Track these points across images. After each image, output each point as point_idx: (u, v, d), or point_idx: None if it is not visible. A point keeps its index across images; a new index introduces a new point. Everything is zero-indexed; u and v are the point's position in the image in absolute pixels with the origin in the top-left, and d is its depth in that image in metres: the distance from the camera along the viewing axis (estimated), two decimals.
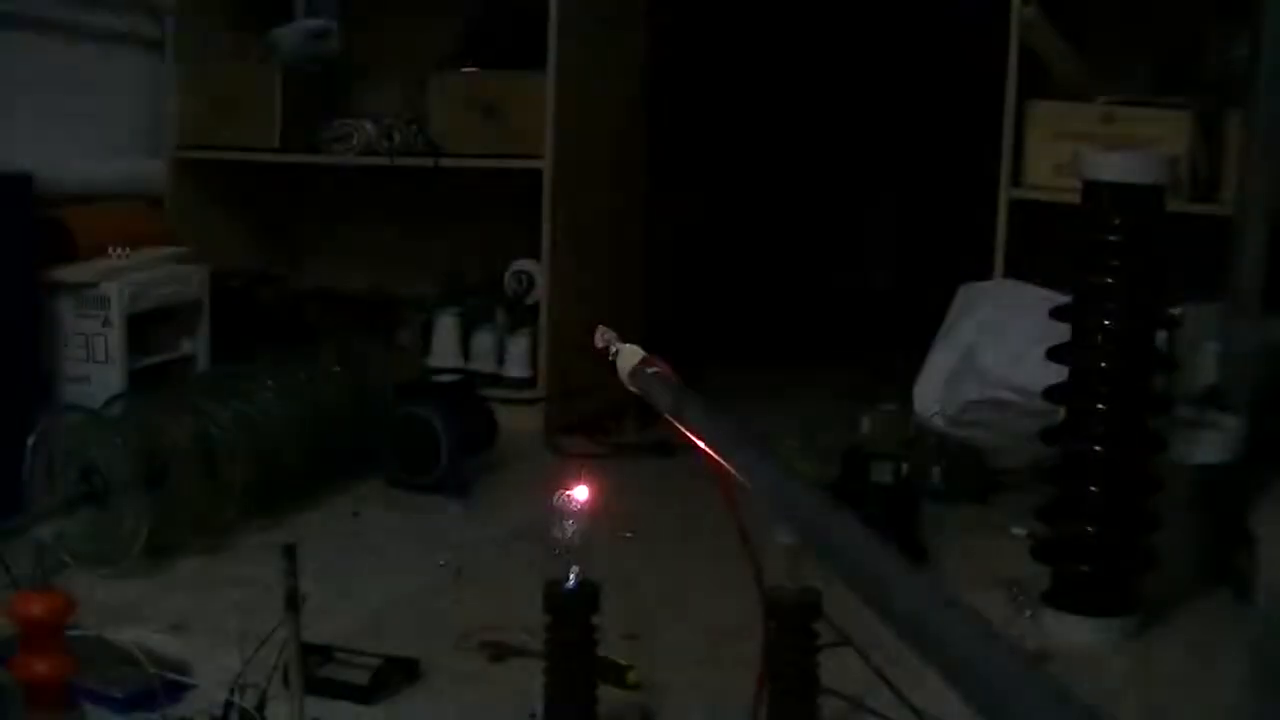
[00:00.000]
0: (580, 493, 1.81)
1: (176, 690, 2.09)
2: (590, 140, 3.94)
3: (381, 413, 3.17)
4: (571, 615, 1.86)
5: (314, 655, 2.21)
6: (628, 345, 1.77)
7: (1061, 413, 2.51)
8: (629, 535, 2.87)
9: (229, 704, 1.94)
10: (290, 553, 1.54)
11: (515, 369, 3.85)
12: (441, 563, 2.69)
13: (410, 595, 2.55)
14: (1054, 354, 2.47)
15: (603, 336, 1.87)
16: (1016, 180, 3.47)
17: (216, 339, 4.07)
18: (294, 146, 4.03)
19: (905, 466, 2.95)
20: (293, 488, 2.97)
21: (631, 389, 1.79)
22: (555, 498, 1.82)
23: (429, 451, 3.09)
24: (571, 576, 1.84)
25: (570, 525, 1.81)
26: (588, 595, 1.85)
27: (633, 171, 4.30)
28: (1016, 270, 3.43)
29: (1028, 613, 2.45)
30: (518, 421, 3.67)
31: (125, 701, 2.06)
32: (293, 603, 1.55)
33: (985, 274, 3.46)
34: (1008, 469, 3.24)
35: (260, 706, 1.93)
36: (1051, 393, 2.48)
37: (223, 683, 2.09)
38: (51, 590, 1.54)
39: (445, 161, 3.86)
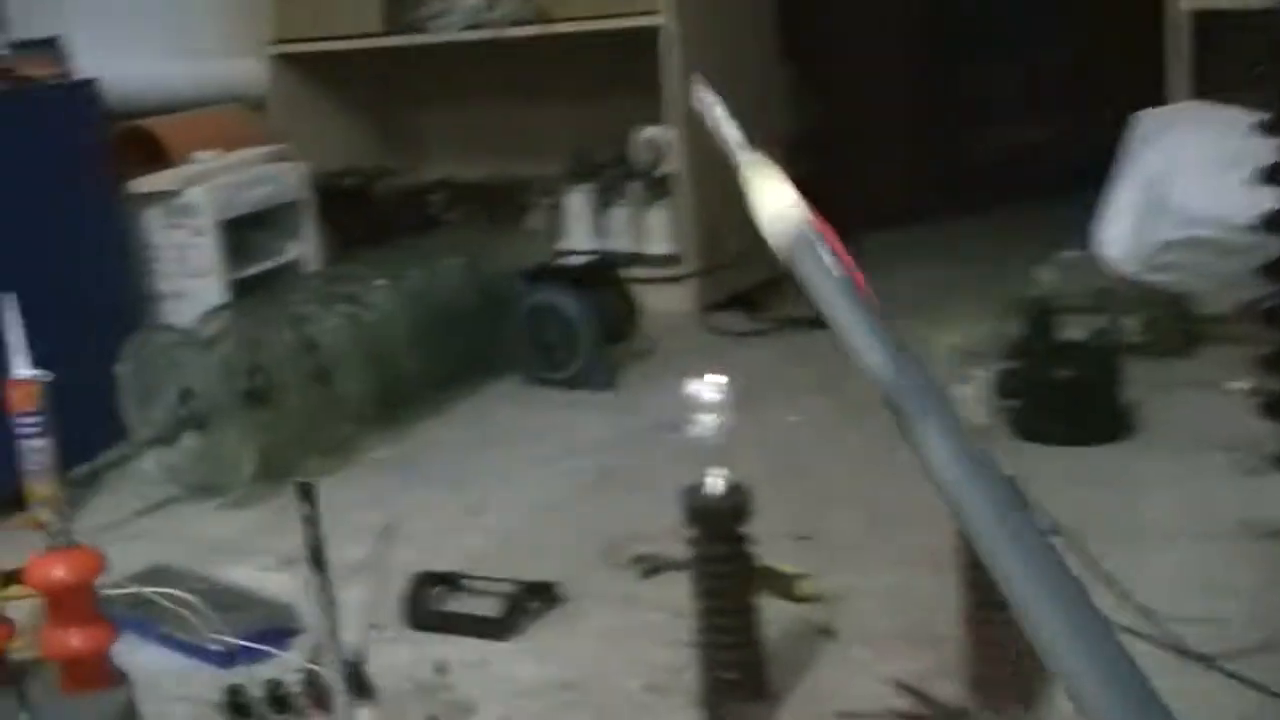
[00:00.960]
0: (717, 384, 1.50)
1: (282, 637, 1.83)
2: None
3: (510, 304, 2.88)
4: (715, 526, 1.55)
5: (439, 585, 1.95)
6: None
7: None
8: (794, 420, 2.57)
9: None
10: (308, 493, 1.16)
11: (656, 245, 3.54)
12: (586, 465, 2.40)
13: (549, 506, 2.27)
14: (1267, 175, 2.10)
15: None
16: None
17: (334, 241, 3.84)
18: (397, 28, 3.74)
19: (1098, 319, 2.63)
20: (415, 394, 2.69)
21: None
22: (689, 389, 1.50)
23: (566, 343, 2.80)
24: (713, 480, 1.53)
25: (710, 420, 1.49)
26: (734, 502, 1.54)
27: (763, 21, 3.94)
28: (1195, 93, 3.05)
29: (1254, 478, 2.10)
30: (664, 301, 3.38)
31: (223, 656, 1.81)
32: (318, 560, 1.18)
33: (1160, 100, 3.08)
34: (1212, 316, 2.87)
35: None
36: (1269, 222, 2.11)
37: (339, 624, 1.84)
38: (76, 548, 1.27)
39: (556, 26, 3.53)
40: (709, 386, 1.49)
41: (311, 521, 1.16)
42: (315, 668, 1.45)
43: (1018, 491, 0.88)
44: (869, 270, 0.97)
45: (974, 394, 1.46)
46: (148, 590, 1.87)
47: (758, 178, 1.01)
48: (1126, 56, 3.51)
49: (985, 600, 1.51)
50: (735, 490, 1.54)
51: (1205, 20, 3.08)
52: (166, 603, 1.84)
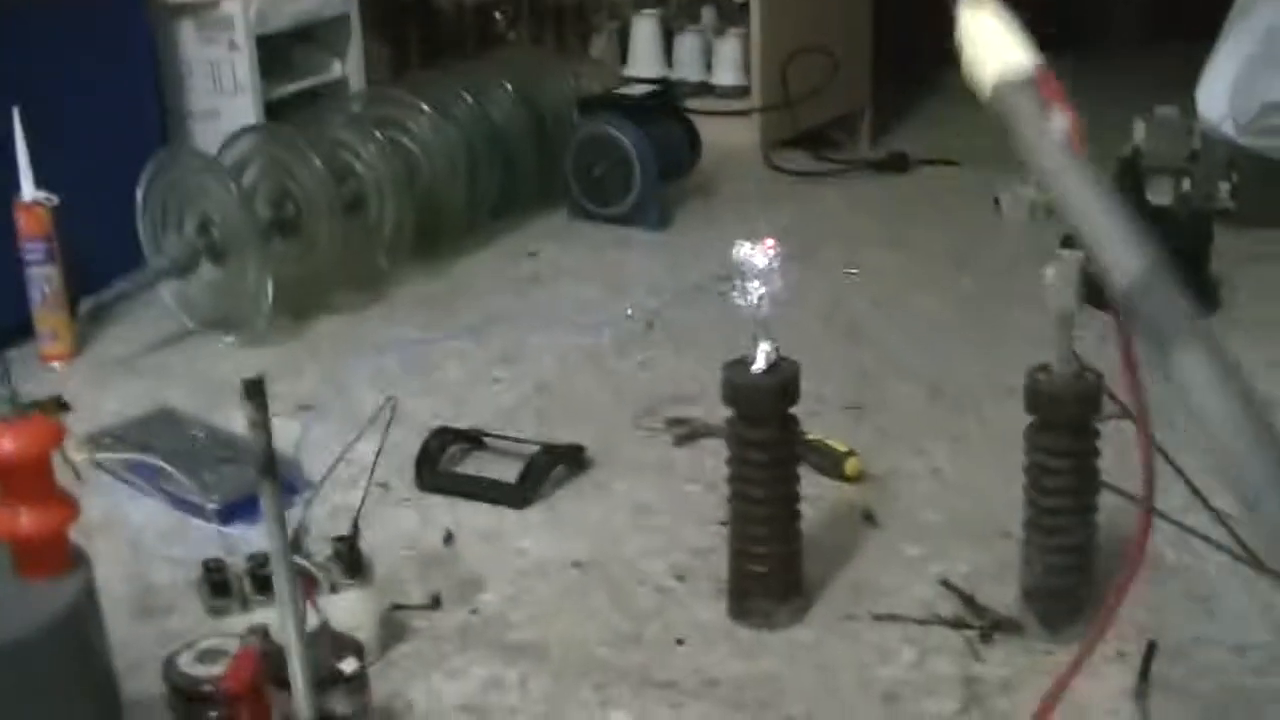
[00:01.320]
0: (767, 249, 1.32)
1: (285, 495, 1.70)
2: None
3: (563, 133, 2.70)
4: (755, 408, 1.39)
5: (456, 443, 1.81)
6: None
7: None
8: (853, 273, 2.40)
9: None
10: (257, 391, 0.96)
11: (726, 75, 3.34)
12: (629, 312, 2.24)
13: (587, 358, 2.11)
14: None
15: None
16: None
17: (390, 56, 3.66)
18: None
19: (1188, 182, 2.43)
20: (457, 227, 2.53)
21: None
22: (738, 252, 1.33)
23: (619, 176, 2.62)
24: (760, 356, 1.36)
25: (757, 288, 1.33)
26: (779, 380, 1.38)
27: None
28: None
29: None
30: (731, 135, 3.18)
31: (222, 512, 1.68)
32: (269, 469, 0.99)
33: None
34: None
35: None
36: None
37: (345, 481, 1.71)
38: (31, 416, 1.12)
39: None
40: (759, 252, 1.31)
41: (260, 425, 1.00)
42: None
43: None
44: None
45: (1062, 276, 1.29)
46: (132, 456, 1.75)
47: (981, 23, 0.83)
48: None
49: (1055, 506, 1.36)
50: (780, 367, 1.37)
51: None
52: (157, 460, 1.70)
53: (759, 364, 1.36)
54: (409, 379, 2.03)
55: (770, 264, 1.31)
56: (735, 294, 1.33)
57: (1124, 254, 0.77)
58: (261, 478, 1.00)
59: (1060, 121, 0.85)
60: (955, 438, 1.81)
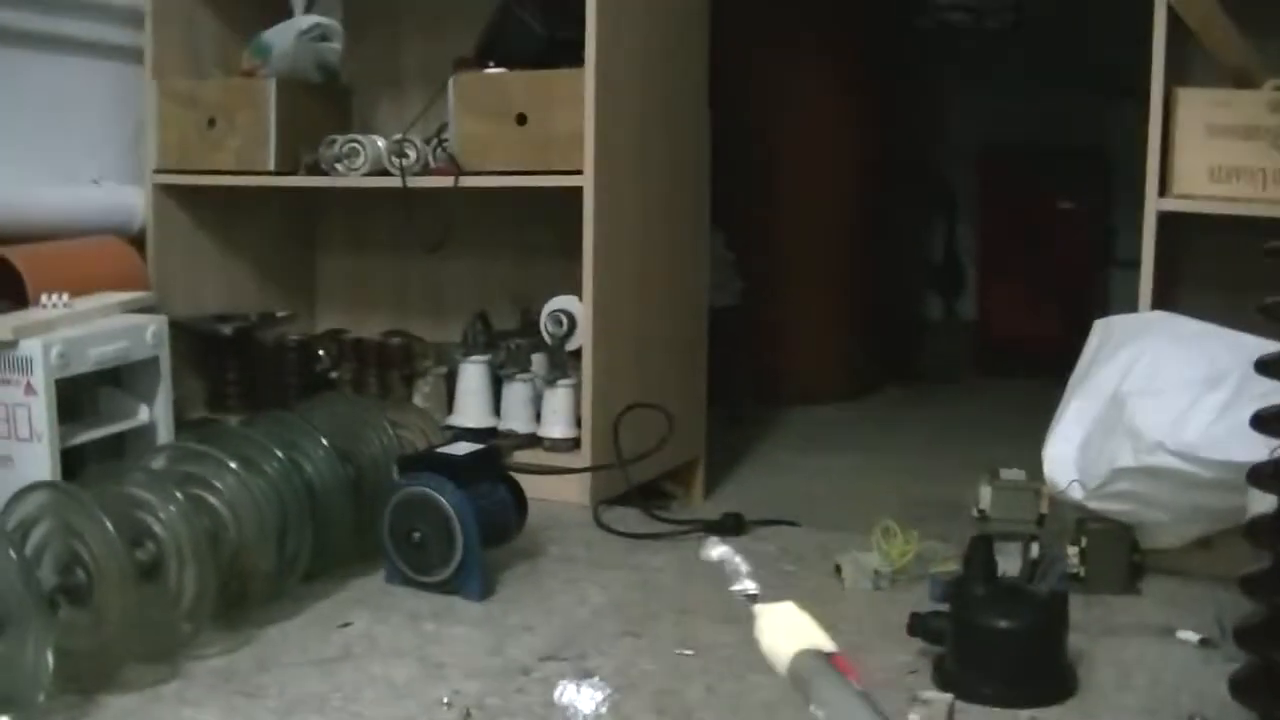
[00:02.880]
0: (595, 697, 1.18)
1: None
2: (641, 150, 3.31)
3: (382, 491, 2.55)
4: None
5: None
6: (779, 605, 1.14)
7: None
8: (688, 654, 2.24)
9: None
10: None
11: (555, 428, 3.23)
12: (445, 701, 2.05)
13: None
14: (1259, 423, 1.81)
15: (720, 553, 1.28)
16: (1163, 188, 2.79)
17: (208, 393, 3.54)
18: (292, 169, 3.45)
19: (1036, 548, 2.35)
20: (265, 592, 2.35)
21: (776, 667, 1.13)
22: (560, 695, 1.18)
23: (440, 541, 2.47)
24: None
25: None
26: None
27: (696, 187, 3.67)
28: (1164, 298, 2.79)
29: None
30: (560, 490, 3.07)
31: None
32: None
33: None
34: (1160, 549, 2.59)
35: None
36: (1258, 474, 1.82)
37: None
38: None
39: (467, 180, 3.24)
40: (584, 695, 1.17)
41: None
42: None
43: None
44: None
45: None
46: None
47: (777, 618, 1.06)
48: None
49: None
50: None
51: (1180, 222, 2.84)
52: None
53: None
54: None
55: (598, 709, 1.16)
56: None
57: None
58: None
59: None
60: None
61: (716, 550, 1.31)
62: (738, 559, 1.30)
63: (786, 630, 1.12)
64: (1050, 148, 5.91)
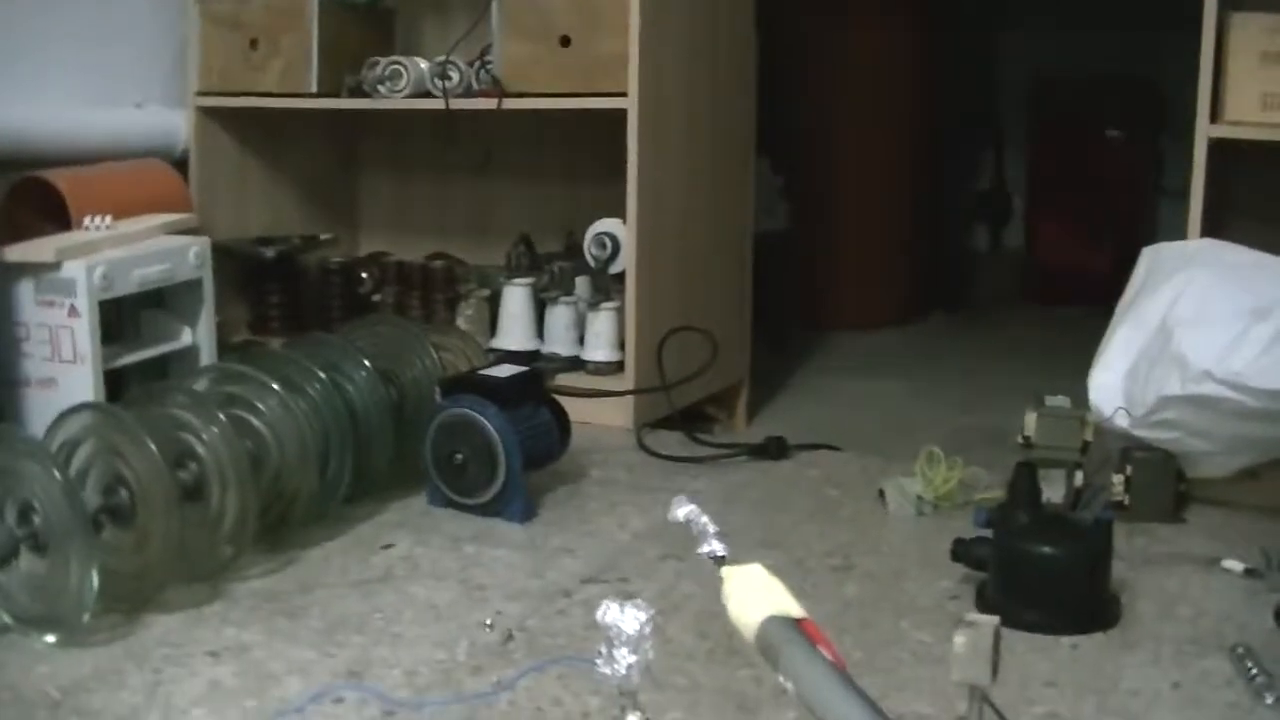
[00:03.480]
0: (638, 616, 1.17)
1: None
2: (687, 73, 3.28)
3: (423, 414, 2.55)
4: None
5: None
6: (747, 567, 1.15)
7: None
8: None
9: None
10: None
11: (599, 351, 3.22)
12: (488, 623, 2.05)
13: (437, 676, 1.91)
14: None
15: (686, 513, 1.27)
16: (1215, 115, 2.75)
17: (250, 316, 3.54)
18: (334, 91, 3.44)
19: (1081, 476, 2.33)
20: (307, 514, 2.36)
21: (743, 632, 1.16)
22: (603, 615, 1.17)
23: (483, 465, 2.46)
24: None
25: (626, 657, 1.17)
26: None
27: (741, 110, 3.64)
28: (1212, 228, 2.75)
29: (1268, 699, 1.78)
30: (603, 414, 3.06)
31: None
32: None
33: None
34: (1205, 479, 2.56)
35: None
36: None
37: None
38: None
39: (511, 103, 3.22)
40: (628, 615, 1.16)
41: None
42: None
43: None
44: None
45: (972, 646, 1.14)
46: None
47: (744, 581, 1.05)
48: None
49: None
50: None
51: (1231, 151, 2.80)
52: None
53: None
54: (243, 696, 1.83)
55: (641, 630, 1.15)
56: (600, 662, 1.17)
57: None
58: None
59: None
60: None
61: (683, 510, 1.29)
62: (704, 519, 1.28)
63: (755, 594, 1.12)
64: (1102, 79, 5.83)
